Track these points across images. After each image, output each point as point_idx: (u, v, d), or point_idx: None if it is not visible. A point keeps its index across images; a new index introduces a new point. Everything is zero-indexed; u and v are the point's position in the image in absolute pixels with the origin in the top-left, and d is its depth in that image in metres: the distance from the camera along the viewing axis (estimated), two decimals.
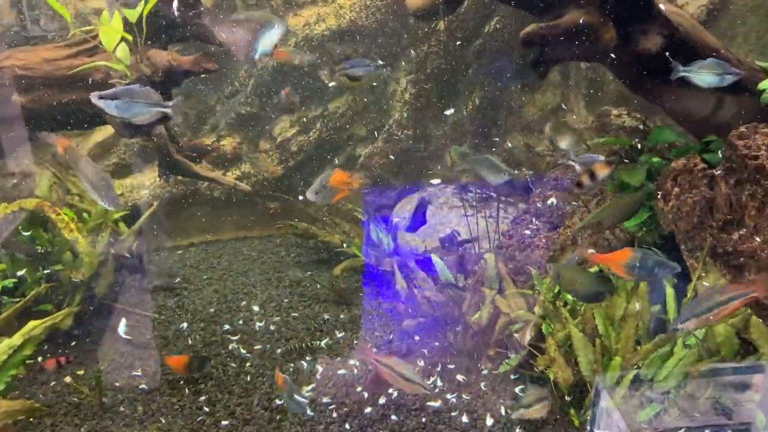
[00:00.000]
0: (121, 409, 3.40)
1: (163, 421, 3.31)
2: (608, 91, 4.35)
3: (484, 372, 3.50)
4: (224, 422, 3.27)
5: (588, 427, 3.00)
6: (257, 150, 5.13)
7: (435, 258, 3.86)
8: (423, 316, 3.81)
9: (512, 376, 3.43)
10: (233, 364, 3.76)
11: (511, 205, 4.35)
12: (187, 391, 3.54)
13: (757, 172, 2.97)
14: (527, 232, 3.66)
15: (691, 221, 3.12)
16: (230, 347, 3.92)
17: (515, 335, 3.32)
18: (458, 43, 4.73)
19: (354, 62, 3.21)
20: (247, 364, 3.76)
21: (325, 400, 3.39)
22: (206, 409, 3.39)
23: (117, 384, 3.59)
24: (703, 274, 3.00)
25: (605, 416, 2.91)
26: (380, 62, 3.17)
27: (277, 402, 3.41)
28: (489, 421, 3.15)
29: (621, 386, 2.85)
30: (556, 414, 3.11)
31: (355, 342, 3.91)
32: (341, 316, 4.21)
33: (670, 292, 3.06)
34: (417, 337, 3.86)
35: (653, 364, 2.81)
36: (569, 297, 3.26)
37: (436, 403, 3.28)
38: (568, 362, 3.02)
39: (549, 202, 3.70)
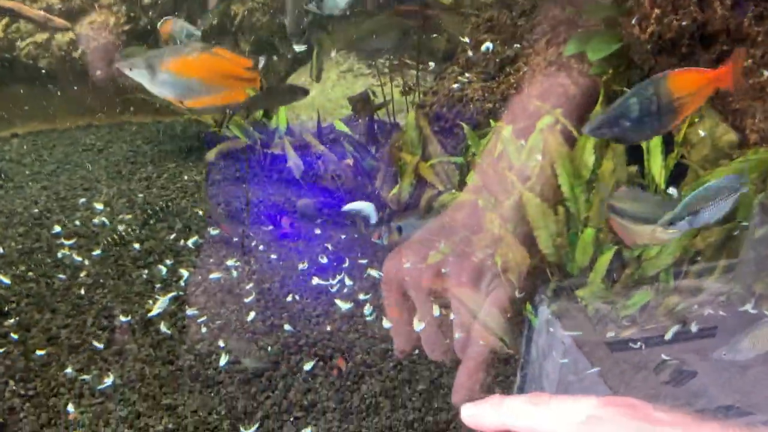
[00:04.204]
0: None
1: None
2: None
3: (407, 265, 2.67)
4: (40, 352, 2.26)
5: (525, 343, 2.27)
6: None
7: (338, 124, 2.93)
8: (325, 197, 2.91)
9: (444, 269, 2.62)
10: (61, 275, 2.71)
11: (431, 71, 3.48)
12: None
13: None
14: (455, 86, 2.80)
15: (678, 52, 2.38)
16: (60, 254, 2.84)
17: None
18: None
19: None
20: (82, 274, 2.71)
21: (190, 311, 2.44)
22: (14, 337, 2.34)
23: None
24: (696, 120, 2.29)
25: (545, 328, 2.19)
26: None
27: (123, 319, 2.42)
28: (418, 325, 2.34)
29: (597, 269, 2.12)
30: (508, 311, 2.35)
31: (235, 239, 2.95)
32: (218, 210, 3.22)
33: (652, 147, 2.32)
34: (318, 230, 2.95)
35: None
36: (514, 158, 2.46)
37: (345, 305, 2.42)
38: (524, 241, 2.24)
39: (483, 47, 2.85)
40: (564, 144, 2.32)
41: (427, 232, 2.09)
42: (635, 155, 2.39)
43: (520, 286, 2.36)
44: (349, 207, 2.17)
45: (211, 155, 3.34)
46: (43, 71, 3.92)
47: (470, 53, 2.94)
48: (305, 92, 2.59)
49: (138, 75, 1.58)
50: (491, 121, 2.57)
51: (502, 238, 2.28)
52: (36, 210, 3.23)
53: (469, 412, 0.60)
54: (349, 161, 2.92)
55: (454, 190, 2.49)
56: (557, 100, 2.60)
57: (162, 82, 1.58)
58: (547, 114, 2.48)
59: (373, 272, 2.66)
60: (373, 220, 2.12)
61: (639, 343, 2.04)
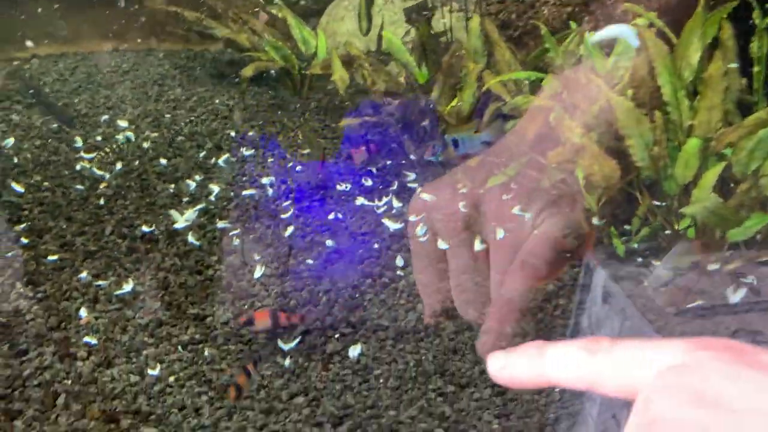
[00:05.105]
0: None
1: None
2: None
3: (463, 190, 2.37)
4: (52, 257, 2.00)
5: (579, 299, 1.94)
6: None
7: (388, 34, 2.63)
8: (369, 114, 2.62)
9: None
10: (79, 186, 2.45)
11: None
12: None
13: None
14: None
15: None
16: (78, 167, 2.59)
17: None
18: None
19: None
20: (102, 185, 2.46)
21: (221, 224, 2.17)
22: (24, 241, 2.09)
23: None
24: None
25: (599, 283, 1.86)
26: None
27: (144, 229, 2.15)
28: (478, 245, 2.05)
29: (702, 184, 1.79)
30: (558, 247, 2.04)
31: (270, 159, 2.68)
32: (251, 133, 2.94)
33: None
34: (359, 153, 2.66)
35: (758, 150, 1.74)
36: (599, 65, 2.14)
37: (394, 225, 2.12)
38: (611, 151, 1.93)
39: None
40: (662, 42, 1.99)
41: (491, 151, 1.76)
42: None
43: (599, 211, 2.05)
44: (600, 35, 1.87)
45: (248, 71, 3.05)
46: None
47: None
48: None
49: None
50: (571, 23, 2.25)
51: (585, 148, 1.97)
52: (54, 125, 2.98)
53: (498, 364, 0.44)
54: (402, 77, 2.62)
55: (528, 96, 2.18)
56: (649, 4, 2.26)
57: None
58: (638, 17, 2.14)
59: (426, 195, 2.37)
60: (635, 44, 1.80)
61: (750, 278, 1.72)
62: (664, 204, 2.05)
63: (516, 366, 0.41)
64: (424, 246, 1.35)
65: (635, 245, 2.03)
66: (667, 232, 2.04)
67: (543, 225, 1.70)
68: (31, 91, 3.15)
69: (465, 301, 1.34)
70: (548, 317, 1.78)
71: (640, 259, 2.01)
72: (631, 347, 0.38)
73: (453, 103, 2.34)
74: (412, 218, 1.61)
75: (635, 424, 0.33)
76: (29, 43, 3.74)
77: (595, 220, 2.23)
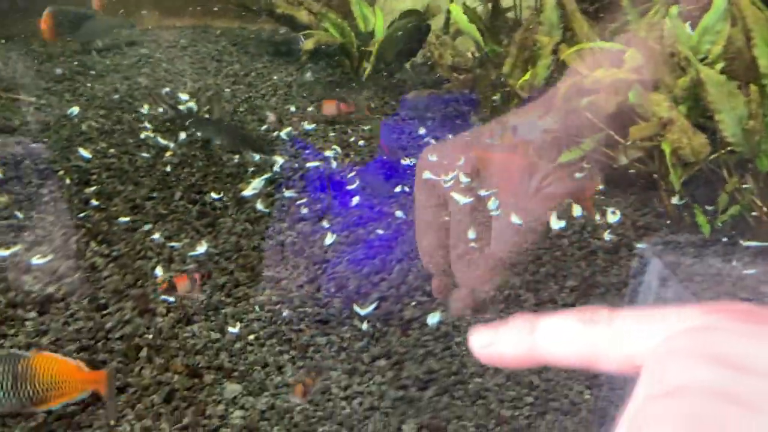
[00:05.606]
0: None
1: (20, 216, 2.01)
2: None
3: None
4: (123, 219, 2.01)
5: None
6: None
7: (454, 8, 2.58)
8: (434, 87, 2.57)
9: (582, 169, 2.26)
10: (145, 154, 2.46)
11: None
12: (68, 180, 2.24)
13: None
14: None
15: None
16: (143, 135, 2.60)
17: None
18: None
19: None
20: (167, 154, 2.46)
21: (288, 194, 2.15)
22: (95, 203, 2.11)
23: None
24: None
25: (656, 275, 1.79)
26: None
27: (214, 196, 2.15)
28: (556, 224, 2.00)
29: None
30: (671, 213, 1.97)
31: (332, 135, 2.65)
32: (310, 109, 2.92)
33: None
34: (424, 129, 2.62)
35: None
36: (683, 36, 2.06)
37: (463, 199, 2.08)
38: (703, 126, 1.86)
39: None
40: (759, 11, 1.91)
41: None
42: None
43: (682, 189, 1.98)
44: None
45: (309, 44, 3.03)
46: None
47: None
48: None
49: None
50: None
51: (672, 121, 1.90)
52: (116, 96, 3.00)
53: (483, 341, 0.38)
54: (472, 50, 2.57)
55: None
56: None
57: None
58: None
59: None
60: None
61: None
62: (748, 185, 1.97)
63: (503, 342, 0.36)
64: (427, 208, 1.15)
65: (720, 224, 1.95)
66: (754, 213, 1.96)
67: (544, 191, 1.56)
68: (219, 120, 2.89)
69: (463, 267, 1.13)
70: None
71: (725, 239, 1.93)
72: (634, 316, 0.33)
73: (525, 77, 2.29)
74: (419, 166, 1.40)
75: (644, 397, 0.28)
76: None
77: (675, 199, 2.15)
